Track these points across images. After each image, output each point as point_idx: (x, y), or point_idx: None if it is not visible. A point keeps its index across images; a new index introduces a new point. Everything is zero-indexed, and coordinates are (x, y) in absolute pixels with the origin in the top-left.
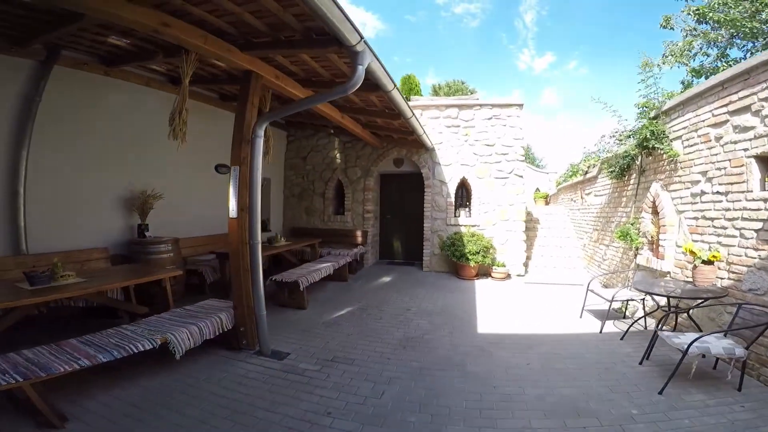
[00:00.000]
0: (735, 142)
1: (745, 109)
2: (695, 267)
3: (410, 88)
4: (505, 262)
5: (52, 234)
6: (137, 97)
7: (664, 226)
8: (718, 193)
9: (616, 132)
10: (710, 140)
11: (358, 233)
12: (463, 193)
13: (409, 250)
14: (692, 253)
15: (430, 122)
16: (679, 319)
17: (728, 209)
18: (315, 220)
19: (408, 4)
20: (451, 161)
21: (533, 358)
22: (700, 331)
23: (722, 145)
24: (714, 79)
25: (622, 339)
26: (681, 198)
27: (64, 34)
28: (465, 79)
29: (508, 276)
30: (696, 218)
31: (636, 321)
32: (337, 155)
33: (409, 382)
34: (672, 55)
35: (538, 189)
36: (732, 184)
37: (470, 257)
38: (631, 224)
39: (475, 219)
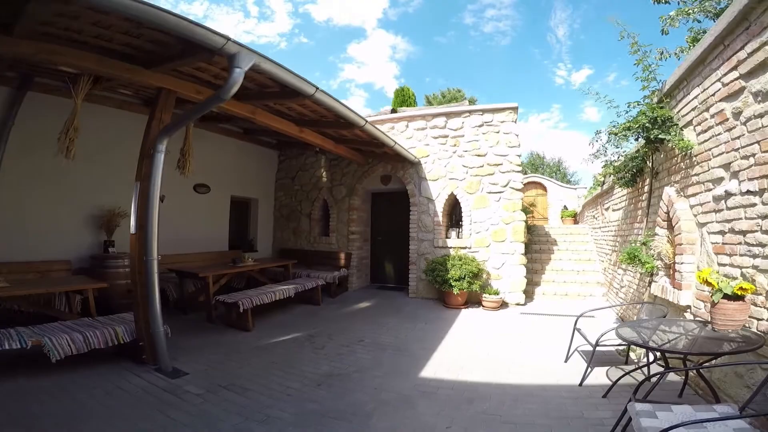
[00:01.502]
0: (761, 115)
1: (763, 66)
2: (714, 304)
3: (403, 99)
4: (500, 289)
5: (14, 245)
6: (112, 120)
7: (680, 244)
8: (748, 192)
9: (613, 125)
10: (727, 118)
11: (342, 255)
12: (455, 212)
13: (401, 273)
14: (708, 283)
15: (417, 134)
16: (690, 374)
17: (766, 215)
18: (302, 242)
19: (437, 26)
20: (439, 175)
21: (462, 418)
22: (715, 396)
23: (744, 123)
24: (709, 36)
25: (604, 396)
26: (701, 205)
27: None
28: (462, 86)
29: (503, 305)
30: (722, 232)
31: (632, 371)
32: (323, 174)
33: (287, 427)
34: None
35: (565, 207)
36: (767, 176)
37: (454, 284)
38: (643, 243)
39: (465, 240)
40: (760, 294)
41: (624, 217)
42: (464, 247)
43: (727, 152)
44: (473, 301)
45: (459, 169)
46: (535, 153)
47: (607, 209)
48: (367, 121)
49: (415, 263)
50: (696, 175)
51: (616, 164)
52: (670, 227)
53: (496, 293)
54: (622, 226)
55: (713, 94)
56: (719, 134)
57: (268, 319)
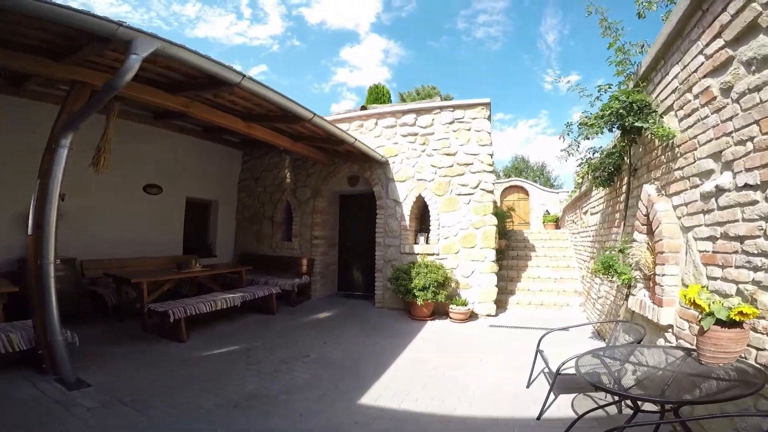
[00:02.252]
0: (758, 88)
1: (752, 28)
2: (702, 331)
3: (377, 97)
4: (469, 299)
5: None
6: (50, 116)
7: (662, 252)
8: (746, 186)
9: (586, 115)
10: (715, 97)
11: (304, 261)
12: (423, 215)
13: (369, 281)
14: (696, 305)
15: (386, 131)
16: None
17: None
18: (264, 246)
19: (430, 31)
20: (407, 176)
21: None
22: None
23: (737, 100)
24: (683, 1)
25: None
26: (686, 204)
27: None
28: (452, 92)
29: (472, 316)
30: (712, 238)
31: (605, 405)
32: (287, 174)
33: None
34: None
35: (547, 212)
36: None
37: (417, 294)
38: (620, 250)
39: (433, 246)
40: (763, 317)
41: (602, 221)
42: (431, 254)
43: (717, 138)
44: (441, 312)
45: (428, 169)
46: (519, 156)
47: (585, 213)
48: (315, 115)
49: (381, 270)
50: (679, 169)
51: (592, 162)
52: (650, 232)
53: (464, 304)
54: (600, 231)
55: (695, 70)
56: (706, 117)
57: (209, 329)
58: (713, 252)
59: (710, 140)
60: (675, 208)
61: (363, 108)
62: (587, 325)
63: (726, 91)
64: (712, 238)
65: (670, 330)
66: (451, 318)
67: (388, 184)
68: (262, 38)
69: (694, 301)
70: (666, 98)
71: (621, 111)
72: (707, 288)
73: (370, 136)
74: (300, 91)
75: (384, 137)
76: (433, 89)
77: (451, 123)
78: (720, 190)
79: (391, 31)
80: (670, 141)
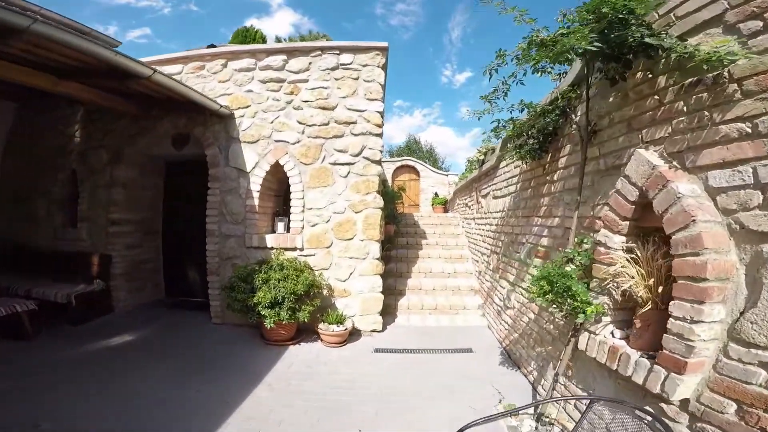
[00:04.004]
0: None
1: None
2: None
3: (244, 41)
4: (347, 312)
5: None
6: None
7: (694, 280)
8: None
9: (545, 34)
10: None
11: (94, 259)
12: (282, 193)
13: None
14: None
15: (237, 76)
16: None
17: None
18: (39, 237)
19: (347, 12)
20: (261, 135)
21: None
22: None
23: None
24: None
25: None
26: (743, 188)
27: None
28: (330, 32)
29: (353, 334)
30: None
31: None
32: (77, 131)
33: None
34: None
35: (436, 194)
36: None
37: (264, 313)
38: (569, 259)
39: (295, 237)
40: None
41: (514, 206)
42: (292, 248)
43: None
44: (310, 329)
45: (293, 127)
46: (412, 137)
47: (485, 196)
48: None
49: (217, 273)
50: (735, 121)
51: (518, 123)
52: (639, 234)
53: (340, 321)
54: (510, 220)
55: None
56: None
57: None
58: None
59: None
60: (715, 193)
61: (211, 46)
62: (555, 363)
63: None
64: None
65: (680, 407)
66: (322, 340)
67: (230, 146)
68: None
69: None
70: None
71: (618, 17)
72: None
73: (213, 81)
74: None
75: (233, 83)
76: (324, 36)
77: (334, 69)
78: None
79: (305, 6)
80: (724, 69)
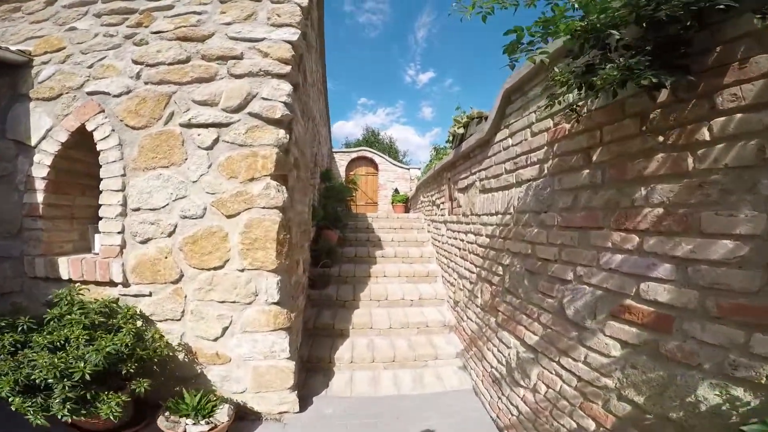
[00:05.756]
0: None
1: None
2: None
3: None
4: (229, 387)
5: None
6: None
7: None
8: None
9: None
10: None
11: None
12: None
13: None
14: None
15: (66, 13)
16: None
17: None
18: None
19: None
20: (65, 88)
21: None
22: None
23: None
24: None
25: None
26: None
27: None
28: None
29: (242, 418)
30: None
31: None
32: None
33: None
34: None
35: (397, 191)
36: None
37: (15, 402)
38: None
39: (109, 263)
40: None
41: (537, 204)
42: (107, 282)
43: None
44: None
45: (122, 70)
46: (370, 129)
47: (465, 189)
48: None
49: None
50: None
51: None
52: None
53: (206, 409)
54: (525, 230)
55: None
56: None
57: None
58: None
59: None
60: None
61: None
62: None
63: None
64: None
65: None
66: None
67: (12, 107)
68: None
69: None
70: None
71: None
72: None
73: (25, 22)
74: None
75: (53, 21)
76: None
77: None
78: None
79: None
80: None
